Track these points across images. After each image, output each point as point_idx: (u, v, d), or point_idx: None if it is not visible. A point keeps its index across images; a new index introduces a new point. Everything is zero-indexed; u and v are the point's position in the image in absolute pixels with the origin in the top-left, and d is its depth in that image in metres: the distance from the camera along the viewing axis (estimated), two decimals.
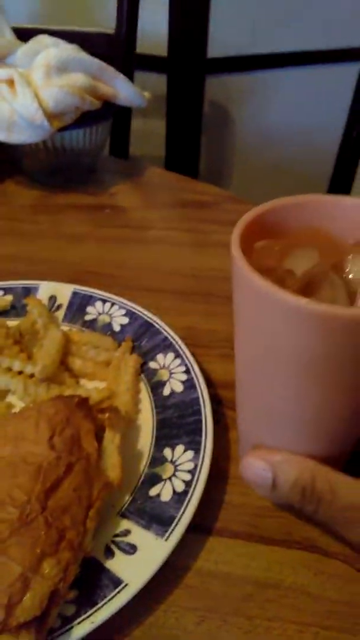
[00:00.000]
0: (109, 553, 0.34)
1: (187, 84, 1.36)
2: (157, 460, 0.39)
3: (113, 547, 0.34)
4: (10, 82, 0.68)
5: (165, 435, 0.41)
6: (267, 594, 0.34)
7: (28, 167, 0.81)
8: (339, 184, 1.78)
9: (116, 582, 0.32)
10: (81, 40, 0.80)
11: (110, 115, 0.78)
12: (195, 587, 0.34)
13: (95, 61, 0.72)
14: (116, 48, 1.00)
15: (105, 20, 1.12)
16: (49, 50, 0.69)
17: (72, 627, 0.30)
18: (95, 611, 0.30)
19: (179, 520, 0.35)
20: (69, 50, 0.70)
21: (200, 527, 0.37)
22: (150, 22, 1.22)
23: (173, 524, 0.34)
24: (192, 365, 0.45)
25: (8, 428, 0.37)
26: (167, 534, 0.34)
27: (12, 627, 0.27)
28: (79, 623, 0.30)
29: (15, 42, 0.76)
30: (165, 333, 0.49)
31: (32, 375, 0.45)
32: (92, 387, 0.45)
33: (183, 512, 0.35)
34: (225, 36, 1.32)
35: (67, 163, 0.80)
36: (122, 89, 0.75)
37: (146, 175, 0.86)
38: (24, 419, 0.38)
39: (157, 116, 1.42)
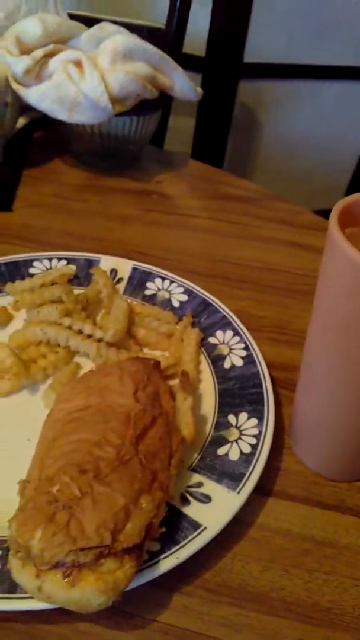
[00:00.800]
0: (185, 501, 0.36)
1: (221, 86, 1.39)
2: (222, 424, 0.42)
3: (188, 496, 0.37)
4: (78, 64, 0.70)
5: (228, 403, 0.44)
6: (324, 551, 0.37)
7: (77, 149, 0.83)
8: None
9: (195, 526, 0.35)
10: (130, 31, 0.83)
11: (164, 106, 0.81)
12: (259, 539, 0.37)
13: (158, 51, 0.74)
14: (164, 43, 1.03)
15: (147, 13, 1.15)
16: (117, 37, 0.71)
17: (159, 561, 0.33)
18: (179, 548, 0.33)
19: (249, 476, 0.37)
20: (135, 39, 0.73)
21: (261, 488, 0.40)
22: (192, 22, 1.25)
23: (244, 480, 0.37)
24: (251, 343, 0.48)
25: (91, 382, 0.40)
26: (239, 487, 0.37)
27: (118, 551, 0.29)
28: (165, 557, 0.33)
29: (79, 26, 0.78)
30: (223, 312, 0.52)
31: (99, 340, 0.48)
32: (158, 354, 0.48)
33: (252, 470, 0.38)
34: (262, 43, 1.36)
35: (115, 148, 0.82)
36: (179, 82, 0.78)
37: (189, 167, 0.88)
38: (105, 374, 0.40)
39: (187, 114, 1.45)
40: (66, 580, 0.28)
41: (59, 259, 0.57)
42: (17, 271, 0.55)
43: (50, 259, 0.57)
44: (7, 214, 0.70)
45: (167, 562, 0.33)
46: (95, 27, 0.77)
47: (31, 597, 0.30)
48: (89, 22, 0.82)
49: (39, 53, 0.71)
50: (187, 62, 1.38)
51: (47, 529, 0.29)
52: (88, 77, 0.68)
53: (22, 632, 0.32)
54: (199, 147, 1.46)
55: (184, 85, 0.79)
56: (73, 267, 0.55)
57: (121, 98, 0.71)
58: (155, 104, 0.78)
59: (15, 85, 0.73)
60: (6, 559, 0.32)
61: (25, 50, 0.73)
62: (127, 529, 0.30)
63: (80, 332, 0.48)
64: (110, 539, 0.29)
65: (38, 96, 0.71)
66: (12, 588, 0.31)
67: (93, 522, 0.29)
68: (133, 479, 0.32)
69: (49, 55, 0.73)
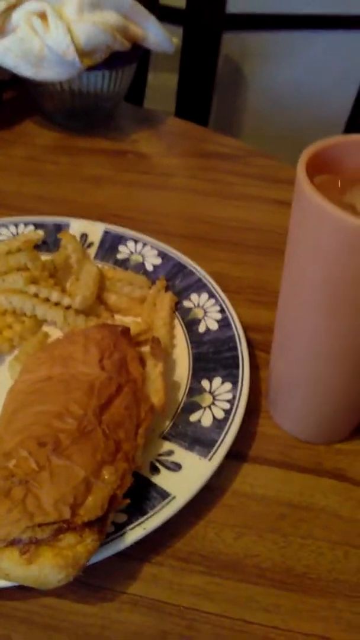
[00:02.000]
0: (155, 470, 0.35)
1: (204, 39, 1.33)
2: (195, 390, 0.41)
3: (158, 464, 0.36)
4: (42, 16, 0.66)
5: (202, 368, 0.42)
6: (300, 514, 0.36)
7: (48, 109, 0.79)
8: None
9: (164, 495, 0.33)
10: None
11: (138, 58, 0.76)
12: (233, 506, 0.36)
13: (129, 0, 0.70)
14: None
15: None
16: None
17: (125, 532, 0.32)
18: (147, 519, 0.32)
19: (220, 443, 0.36)
20: None
21: (236, 454, 0.39)
22: None
23: (215, 446, 0.36)
24: (227, 306, 0.47)
25: (55, 351, 0.38)
26: (210, 454, 0.36)
27: (77, 526, 0.28)
28: (131, 529, 0.32)
29: None
30: (198, 274, 0.50)
31: (68, 307, 0.46)
32: (129, 320, 0.46)
33: (225, 436, 0.37)
34: None
35: (87, 106, 0.78)
36: (152, 32, 0.74)
37: (167, 124, 0.85)
38: (70, 343, 0.38)
39: (169, 69, 1.39)
40: (24, 557, 0.27)
41: (26, 224, 0.54)
42: None
43: (16, 225, 0.54)
44: None
45: (134, 533, 0.32)
46: None
47: None
48: None
49: (1, 5, 0.67)
50: (166, 14, 1.31)
51: (3, 505, 0.28)
52: (53, 30, 0.64)
53: None
54: (183, 105, 1.40)
55: (157, 35, 0.74)
56: (40, 233, 0.53)
57: (89, 51, 0.67)
58: (127, 57, 0.73)
59: None
60: None
61: None
62: (88, 502, 0.29)
63: (47, 300, 0.46)
64: (69, 513, 0.28)
65: (1, 51, 0.67)
66: None
67: (51, 496, 0.28)
68: (95, 450, 0.31)
69: (12, 7, 0.69)
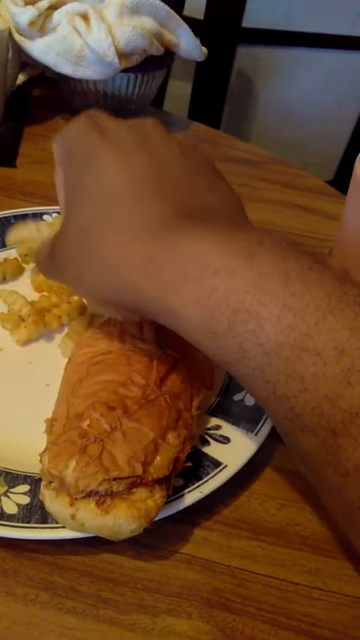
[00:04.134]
0: (205, 442, 0.38)
1: (219, 50, 1.37)
2: None
3: (207, 437, 0.38)
4: (84, 17, 0.69)
5: None
6: None
7: (77, 106, 0.82)
8: (348, 167, 1.83)
9: (216, 464, 0.36)
10: None
11: (170, 64, 0.79)
12: (275, 480, 0.39)
13: (165, 7, 0.73)
14: (165, 3, 1.01)
15: None
16: None
17: (183, 495, 0.34)
18: (203, 483, 0.34)
19: (265, 420, 0.39)
20: None
21: (275, 435, 0.41)
22: None
23: (261, 422, 0.38)
24: None
25: (111, 328, 0.40)
26: (256, 429, 0.38)
27: (148, 482, 0.30)
28: (189, 492, 0.34)
29: None
30: None
31: None
32: None
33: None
34: (261, 9, 1.34)
35: (117, 107, 0.81)
36: (184, 39, 0.77)
37: (190, 129, 0.88)
38: (125, 321, 0.41)
39: (183, 78, 1.43)
40: (100, 507, 0.29)
41: None
42: None
43: (59, 213, 0.56)
44: (11, 170, 0.69)
45: (191, 496, 0.34)
46: None
47: (61, 528, 0.31)
48: None
49: (44, 4, 0.69)
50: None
51: (81, 460, 0.30)
52: (95, 30, 0.67)
53: (49, 563, 0.33)
54: (195, 113, 1.44)
55: (189, 43, 0.78)
56: None
57: (127, 53, 0.70)
58: (160, 61, 0.76)
59: (18, 38, 0.71)
60: (35, 492, 0.33)
61: (29, 1, 0.70)
62: (157, 461, 0.31)
63: None
64: (141, 469, 0.30)
65: (43, 49, 0.70)
66: (43, 519, 0.32)
67: (124, 454, 0.30)
68: (160, 415, 0.33)
69: (54, 7, 0.71)
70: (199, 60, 0.81)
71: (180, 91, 1.43)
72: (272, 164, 0.78)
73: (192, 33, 0.77)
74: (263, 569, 0.34)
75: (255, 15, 1.39)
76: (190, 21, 1.41)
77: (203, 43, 0.83)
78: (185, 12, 1.31)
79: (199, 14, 1.33)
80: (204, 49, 0.81)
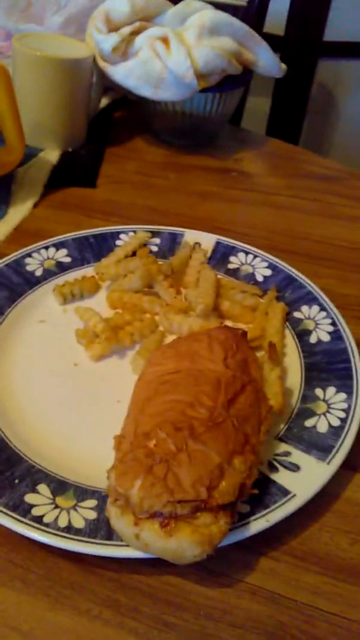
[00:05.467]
0: (274, 469, 0.36)
1: (299, 65, 1.36)
2: (309, 397, 0.42)
3: (276, 464, 0.37)
4: (164, 40, 0.71)
5: (315, 377, 0.43)
6: None
7: (157, 126, 0.84)
8: None
9: (284, 492, 0.35)
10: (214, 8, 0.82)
11: (248, 82, 0.80)
12: (346, 513, 0.37)
13: (244, 26, 0.73)
14: (246, 21, 1.01)
15: None
16: (204, 12, 0.71)
17: (249, 522, 0.33)
18: (270, 512, 0.33)
19: (339, 448, 0.37)
20: (221, 13, 0.72)
21: (347, 464, 0.39)
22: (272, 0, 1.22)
23: (334, 451, 0.37)
24: (338, 319, 0.48)
25: (180, 347, 0.41)
26: (329, 458, 0.36)
27: (213, 507, 0.30)
28: (255, 520, 0.33)
29: (165, 3, 0.79)
30: (309, 287, 0.51)
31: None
32: (242, 327, 0.48)
33: (342, 442, 0.37)
34: (343, 21, 1.31)
35: (195, 126, 0.82)
36: (263, 57, 0.77)
37: (268, 145, 0.87)
38: (195, 341, 0.41)
39: (261, 94, 1.42)
40: (163, 530, 0.29)
41: (145, 232, 0.58)
42: (105, 243, 0.56)
43: (135, 232, 0.58)
44: (91, 190, 0.71)
45: (257, 525, 0.33)
46: (181, 4, 0.77)
47: (126, 546, 0.31)
48: None
49: (126, 30, 0.72)
50: (266, 41, 1.35)
51: (146, 479, 0.30)
52: (174, 53, 0.68)
53: (113, 580, 0.33)
54: (274, 129, 1.43)
55: (268, 60, 0.77)
56: (148, 233, 0.56)
57: (206, 73, 0.70)
58: (238, 80, 0.77)
59: (101, 63, 0.74)
60: (102, 508, 0.33)
61: (112, 28, 0.74)
62: (222, 486, 0.30)
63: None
64: (206, 494, 0.30)
65: (124, 73, 0.72)
66: (108, 535, 0.32)
67: (189, 476, 0.30)
68: (227, 439, 0.32)
69: (136, 32, 0.74)
70: (278, 77, 0.80)
71: (258, 107, 1.43)
72: (350, 179, 0.76)
73: (271, 50, 0.77)
74: (332, 607, 0.32)
75: (337, 28, 1.36)
76: (270, 38, 1.41)
77: (283, 59, 0.82)
78: (266, 29, 1.31)
79: (280, 30, 1.32)
80: (283, 66, 0.80)
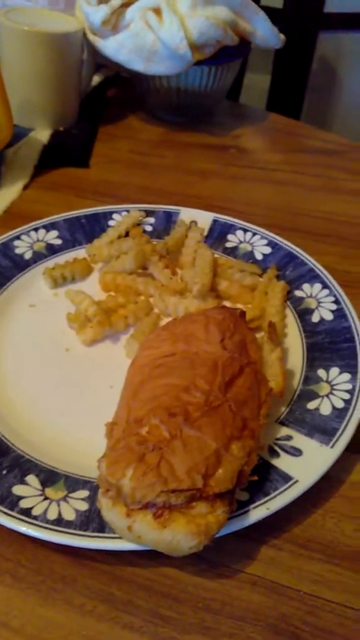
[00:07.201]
0: (274, 454, 0.35)
1: (299, 38, 1.31)
2: (311, 379, 0.40)
3: (277, 448, 0.35)
4: (157, 11, 0.68)
5: (317, 357, 0.42)
6: None
7: (151, 103, 0.81)
8: None
9: (286, 478, 0.33)
10: None
11: (245, 54, 0.77)
12: (352, 498, 0.35)
13: None
14: None
15: None
16: None
17: (248, 511, 0.31)
18: (270, 499, 0.32)
19: (343, 431, 0.35)
20: None
21: (351, 447, 0.37)
22: None
23: (337, 434, 0.35)
24: (341, 296, 0.46)
25: (176, 329, 0.39)
26: (332, 442, 0.35)
27: (209, 495, 0.28)
28: (255, 508, 0.31)
29: None
30: (310, 264, 0.49)
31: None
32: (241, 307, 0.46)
33: (347, 425, 0.36)
34: None
35: (191, 103, 0.79)
36: (261, 27, 0.74)
37: (268, 120, 0.84)
38: (191, 322, 0.39)
39: (260, 70, 1.38)
40: (157, 521, 0.28)
41: (138, 211, 0.55)
42: (97, 223, 0.54)
43: (128, 212, 0.55)
44: (84, 170, 0.69)
45: (257, 513, 0.31)
46: None
47: (119, 538, 0.30)
48: None
49: (117, 2, 0.69)
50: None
51: (138, 469, 0.28)
52: (167, 24, 0.65)
53: (107, 573, 0.31)
54: (274, 105, 1.39)
55: (266, 31, 0.74)
56: (142, 212, 0.54)
57: (201, 45, 0.68)
58: (235, 52, 0.74)
59: (91, 37, 0.71)
60: (94, 498, 0.32)
61: (103, 0, 0.71)
62: (219, 474, 0.29)
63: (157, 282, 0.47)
64: (201, 482, 0.28)
65: (115, 47, 0.70)
66: (101, 527, 0.31)
67: (184, 464, 0.28)
68: (224, 424, 0.31)
69: (127, 4, 0.71)
70: (276, 47, 0.77)
71: (257, 84, 1.39)
72: (352, 152, 0.73)
73: (268, 20, 0.74)
74: (337, 597, 0.31)
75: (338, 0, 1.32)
76: (268, 10, 1.36)
77: (282, 32, 0.79)
78: (264, 2, 1.27)
79: (278, 2, 1.28)
80: (282, 36, 0.77)
